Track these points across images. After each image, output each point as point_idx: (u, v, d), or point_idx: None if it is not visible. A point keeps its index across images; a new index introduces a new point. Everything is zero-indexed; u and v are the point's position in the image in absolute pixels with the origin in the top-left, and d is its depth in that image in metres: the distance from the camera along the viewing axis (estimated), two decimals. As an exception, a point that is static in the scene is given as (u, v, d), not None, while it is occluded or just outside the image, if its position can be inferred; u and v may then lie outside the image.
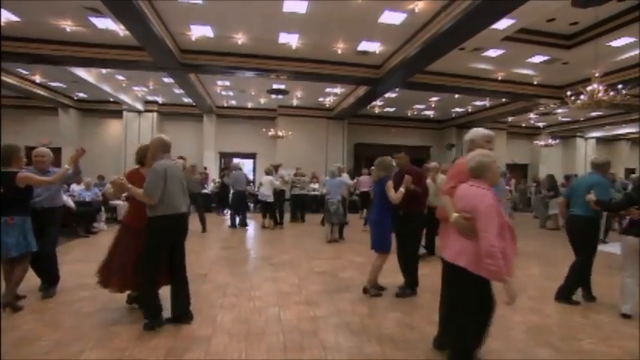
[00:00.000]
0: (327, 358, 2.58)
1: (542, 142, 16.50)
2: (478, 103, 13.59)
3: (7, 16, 6.99)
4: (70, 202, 6.70)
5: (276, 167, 9.70)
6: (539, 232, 9.11)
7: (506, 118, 15.83)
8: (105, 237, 6.98)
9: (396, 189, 3.89)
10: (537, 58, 8.69)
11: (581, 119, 15.81)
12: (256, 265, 5.11)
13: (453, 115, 15.97)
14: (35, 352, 2.57)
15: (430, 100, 13.36)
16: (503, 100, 12.66)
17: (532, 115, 15.30)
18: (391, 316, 3.41)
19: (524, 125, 17.80)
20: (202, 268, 4.88)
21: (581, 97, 7.44)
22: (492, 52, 8.37)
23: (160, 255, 3.02)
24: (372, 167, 12.83)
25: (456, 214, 2.32)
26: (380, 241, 3.95)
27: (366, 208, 10.04)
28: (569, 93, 8.05)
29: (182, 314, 3.12)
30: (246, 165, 19.85)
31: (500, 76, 10.09)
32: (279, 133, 13.54)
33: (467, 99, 12.85)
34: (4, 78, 10.69)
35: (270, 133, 13.66)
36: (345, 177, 7.87)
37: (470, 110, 14.72)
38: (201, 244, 6.61)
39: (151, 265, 2.99)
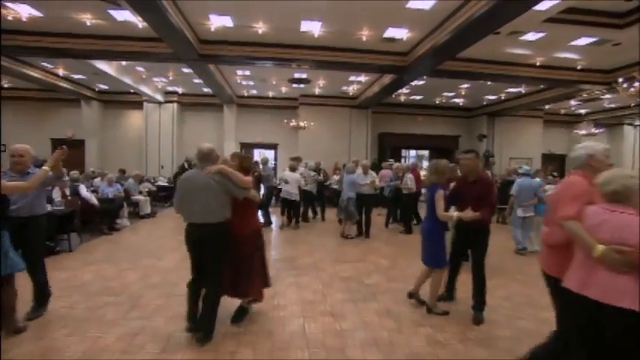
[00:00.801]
0: (355, 382, 2.51)
1: (584, 131, 15.58)
2: (512, 90, 12.94)
3: (30, 12, 7.15)
4: (94, 199, 6.89)
5: (297, 160, 9.54)
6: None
7: (544, 106, 15.05)
8: (128, 234, 7.19)
9: (455, 201, 3.56)
10: (583, 40, 8.09)
11: (632, 105, 14.78)
12: (279, 268, 5.09)
13: (485, 103, 15.33)
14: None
15: (460, 87, 12.85)
16: (541, 86, 12.02)
17: (573, 102, 14.47)
18: (421, 331, 3.30)
19: (563, 112, 16.91)
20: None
21: (635, 84, 6.89)
22: (531, 36, 7.86)
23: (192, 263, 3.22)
24: (390, 161, 12.55)
25: (602, 247, 1.91)
26: (432, 254, 3.62)
27: (381, 205, 9.81)
28: (620, 80, 7.48)
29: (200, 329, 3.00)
30: (267, 155, 19.97)
31: (538, 61, 9.52)
32: (301, 124, 13.41)
33: (500, 86, 12.28)
34: (29, 72, 11.06)
35: (291, 124, 13.56)
36: (358, 174, 7.55)
37: (503, 97, 14.06)
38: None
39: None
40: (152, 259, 5.31)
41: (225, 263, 3.13)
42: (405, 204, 8.11)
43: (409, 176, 7.94)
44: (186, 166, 9.30)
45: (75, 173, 7.48)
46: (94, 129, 15.49)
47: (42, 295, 3.39)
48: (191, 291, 3.10)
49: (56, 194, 6.52)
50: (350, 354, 2.87)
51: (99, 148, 15.64)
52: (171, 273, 4.73)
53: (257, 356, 2.81)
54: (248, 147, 16.78)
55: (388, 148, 16.19)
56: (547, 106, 15.30)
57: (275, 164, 16.63)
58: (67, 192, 6.56)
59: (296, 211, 8.39)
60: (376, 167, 15.36)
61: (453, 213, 3.45)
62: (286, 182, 8.01)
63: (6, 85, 13.87)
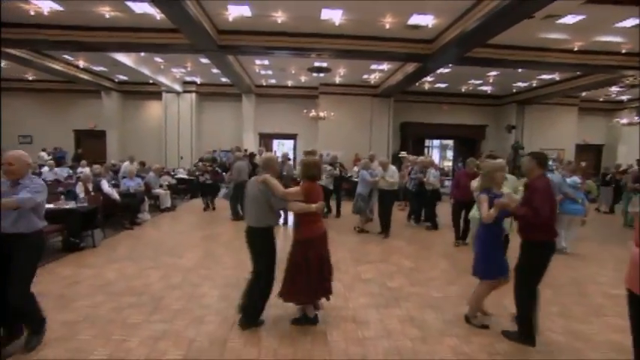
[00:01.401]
0: (378, 397, 2.50)
1: (625, 120, 14.70)
2: (545, 76, 12.38)
3: (51, 6, 7.29)
4: (115, 194, 7.08)
5: (312, 154, 9.42)
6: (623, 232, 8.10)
7: (580, 93, 14.35)
8: (149, 229, 7.37)
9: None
10: (630, 22, 7.54)
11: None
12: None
13: (514, 91, 14.76)
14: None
15: (488, 74, 12.38)
16: (578, 72, 11.43)
17: (613, 89, 13.70)
18: (446, 341, 3.24)
19: (601, 99, 16.07)
20: (246, 270, 4.94)
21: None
22: (570, 19, 7.43)
23: None
24: (402, 153, 12.16)
25: None
26: (483, 266, 3.43)
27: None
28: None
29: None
30: (286, 145, 20.03)
31: (576, 46, 9.02)
32: (321, 115, 13.31)
33: (531, 72, 11.77)
34: (51, 64, 11.36)
35: (311, 115, 13.47)
36: (370, 170, 7.41)
37: (535, 85, 13.49)
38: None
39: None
40: (173, 257, 5.43)
41: (264, 265, 3.40)
42: (429, 200, 7.94)
43: (432, 172, 7.76)
44: (200, 165, 9.47)
45: (97, 168, 7.69)
46: (114, 120, 15.90)
47: (34, 322, 3.00)
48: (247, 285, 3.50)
49: (79, 189, 6.74)
50: (373, 365, 2.86)
51: (119, 139, 16.05)
52: (192, 273, 4.82)
53: (278, 365, 2.84)
54: (267, 137, 16.84)
55: (410, 138, 15.91)
56: (583, 93, 14.59)
57: (294, 156, 16.66)
58: (90, 187, 6.75)
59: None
60: (395, 161, 15.20)
61: (491, 211, 3.20)
62: None
63: (30, 78, 14.33)
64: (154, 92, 15.49)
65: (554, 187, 5.99)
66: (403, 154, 11.23)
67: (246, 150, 14.33)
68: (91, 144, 16.55)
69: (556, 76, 12.35)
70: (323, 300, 3.58)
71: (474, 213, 4.99)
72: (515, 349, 3.13)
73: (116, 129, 16.03)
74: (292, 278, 3.37)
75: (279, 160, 8.48)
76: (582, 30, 8.01)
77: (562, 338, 3.36)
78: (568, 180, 6.28)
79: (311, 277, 3.32)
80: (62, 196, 5.98)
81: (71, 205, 5.74)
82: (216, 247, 6.08)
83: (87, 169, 9.58)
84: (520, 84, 13.68)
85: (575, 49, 9.14)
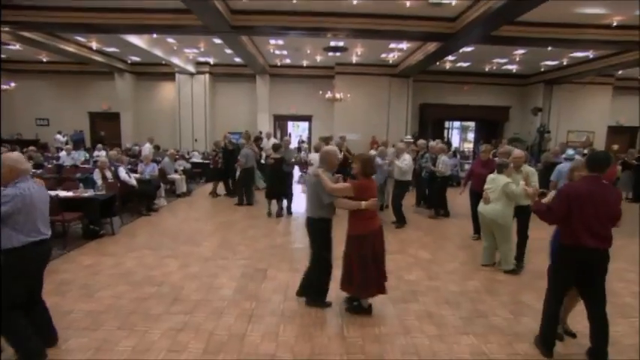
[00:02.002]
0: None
1: None
2: (578, 54, 11.83)
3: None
4: (133, 181, 7.26)
5: (327, 140, 9.39)
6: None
7: (616, 71, 13.68)
8: (166, 215, 7.58)
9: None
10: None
11: None
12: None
13: (542, 70, 14.18)
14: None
15: (514, 53, 11.92)
16: (615, 50, 10.87)
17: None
18: (463, 340, 3.29)
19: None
20: (261, 260, 5.10)
21: None
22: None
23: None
24: (407, 137, 11.90)
25: None
26: None
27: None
28: None
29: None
30: (301, 126, 19.96)
31: (615, 21, 8.53)
32: (337, 96, 13.16)
33: (562, 50, 11.23)
34: (64, 47, 11.50)
35: (327, 96, 13.33)
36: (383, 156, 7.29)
37: (565, 63, 12.92)
38: (260, 229, 6.90)
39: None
40: (191, 246, 5.60)
41: (319, 253, 3.69)
42: (439, 187, 7.71)
43: (443, 159, 7.50)
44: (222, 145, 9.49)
45: (114, 154, 7.87)
46: (127, 101, 16.10)
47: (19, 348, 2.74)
48: None
49: (97, 176, 6.93)
50: (389, 363, 2.94)
51: (133, 121, 16.30)
52: (210, 263, 4.97)
53: (296, 362, 2.95)
54: (281, 119, 16.80)
55: (430, 120, 15.63)
56: (620, 72, 13.90)
57: (309, 138, 16.63)
58: (108, 174, 6.94)
59: None
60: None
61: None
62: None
63: (44, 60, 14.56)
64: (167, 73, 15.54)
65: (562, 175, 5.98)
66: (408, 138, 10.94)
67: (260, 132, 14.38)
68: (105, 126, 16.88)
69: (590, 54, 11.81)
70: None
71: (481, 206, 4.95)
72: (535, 350, 3.15)
73: (130, 111, 16.26)
74: (349, 271, 3.57)
75: (280, 142, 8.52)
76: (623, 2, 7.56)
77: (586, 340, 3.36)
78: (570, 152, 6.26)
79: (366, 274, 3.47)
80: (80, 184, 6.16)
81: (90, 193, 5.93)
82: (232, 236, 6.22)
83: (103, 154, 9.85)
84: (549, 62, 13.13)
85: (615, 24, 8.66)
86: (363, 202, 3.41)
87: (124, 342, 3.13)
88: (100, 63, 13.89)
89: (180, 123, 15.81)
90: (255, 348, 3.10)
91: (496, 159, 5.58)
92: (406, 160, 6.96)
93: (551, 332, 3.12)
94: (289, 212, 7.71)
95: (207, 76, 15.54)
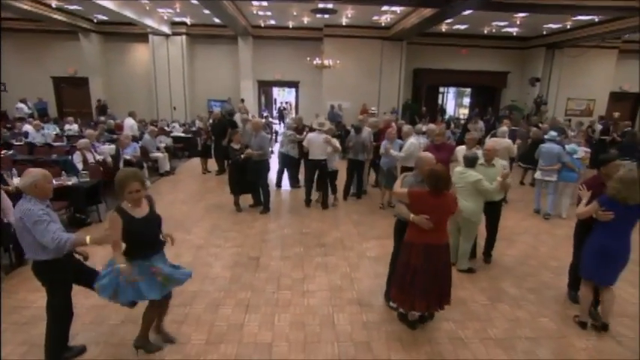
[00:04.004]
0: (380, 380, 3.17)
1: None
2: (582, 17, 12.07)
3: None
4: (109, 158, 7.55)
5: (301, 130, 8.72)
6: None
7: (622, 35, 13.98)
8: (152, 197, 7.92)
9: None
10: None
11: None
12: (307, 246, 5.72)
13: (544, 33, 14.40)
14: (189, 354, 3.42)
15: (516, 15, 12.08)
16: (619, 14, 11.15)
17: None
18: (443, 326, 3.88)
19: (647, 40, 15.58)
20: (254, 249, 5.60)
21: None
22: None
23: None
24: (372, 109, 12.07)
25: None
26: (610, 274, 3.68)
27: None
28: None
29: None
30: (287, 96, 19.93)
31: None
32: (325, 63, 13.25)
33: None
34: (17, 4, 10.96)
35: (315, 63, 13.41)
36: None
37: (569, 26, 13.16)
38: (250, 212, 7.35)
39: None
40: (181, 233, 6.00)
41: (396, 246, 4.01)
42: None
43: (411, 141, 6.73)
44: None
45: (91, 133, 8.06)
46: (96, 65, 15.85)
47: None
48: None
49: (77, 159, 7.19)
50: (376, 350, 3.51)
51: (104, 87, 16.13)
52: (202, 251, 5.45)
53: (292, 349, 3.50)
54: (267, 85, 16.83)
55: (423, 85, 15.89)
56: (626, 35, 14.20)
57: (296, 105, 16.78)
58: (90, 157, 7.21)
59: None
60: (413, 111, 15.25)
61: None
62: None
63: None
64: (140, 34, 15.27)
65: (554, 157, 6.62)
66: (374, 109, 11.15)
67: (242, 100, 14.47)
68: (72, 93, 16.67)
69: (595, 18, 12.04)
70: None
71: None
72: (507, 337, 3.77)
73: (99, 75, 16.05)
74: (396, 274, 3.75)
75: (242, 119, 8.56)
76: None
77: (554, 325, 4.00)
78: (567, 147, 6.84)
79: (402, 280, 3.58)
80: (63, 172, 6.43)
81: (74, 181, 6.22)
82: (222, 221, 6.68)
83: (74, 128, 9.94)
84: (552, 25, 13.36)
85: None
86: (412, 216, 3.46)
87: (130, 336, 3.61)
88: (61, 22, 13.42)
89: (156, 90, 15.75)
90: (253, 337, 3.64)
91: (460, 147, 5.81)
92: (407, 145, 6.61)
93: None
94: (266, 208, 7.16)
95: (184, 37, 15.33)
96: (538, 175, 7.13)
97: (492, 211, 5.08)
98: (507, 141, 7.08)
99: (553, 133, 7.11)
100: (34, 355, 3.33)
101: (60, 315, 3.22)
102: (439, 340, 3.70)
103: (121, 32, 15.51)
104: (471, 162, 4.67)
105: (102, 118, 13.07)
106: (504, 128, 7.65)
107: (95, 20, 14.88)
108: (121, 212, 3.02)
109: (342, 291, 4.52)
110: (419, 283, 3.48)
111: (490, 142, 5.51)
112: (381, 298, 4.36)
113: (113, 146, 8.54)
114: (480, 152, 5.07)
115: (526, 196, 8.36)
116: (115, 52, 16.18)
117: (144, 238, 3.11)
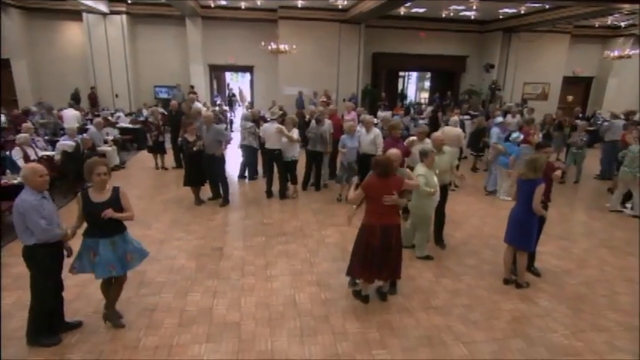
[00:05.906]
0: (335, 345, 4.02)
1: (616, 53, 16.00)
2: (535, 4, 13.45)
3: None
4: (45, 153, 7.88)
5: (257, 121, 9.61)
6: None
7: (574, 21, 15.59)
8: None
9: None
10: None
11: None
12: (268, 235, 6.50)
13: (501, 17, 15.79)
14: (164, 335, 4.06)
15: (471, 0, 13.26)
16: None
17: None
18: (393, 300, 4.81)
19: (597, 25, 17.36)
20: (217, 240, 6.29)
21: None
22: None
23: None
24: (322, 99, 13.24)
25: None
26: (524, 240, 4.98)
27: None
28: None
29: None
30: (242, 81, 20.25)
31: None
32: (281, 48, 13.86)
33: None
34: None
35: (270, 48, 13.98)
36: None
37: (523, 12, 14.56)
38: (210, 205, 7.98)
39: None
40: (141, 228, 6.53)
41: None
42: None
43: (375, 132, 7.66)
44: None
45: (29, 127, 8.30)
46: (19, 45, 15.33)
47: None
48: None
49: (17, 155, 7.47)
50: (333, 322, 4.37)
51: (30, 70, 15.69)
52: (165, 245, 6.09)
53: (258, 326, 4.27)
54: (219, 70, 17.14)
55: (383, 70, 16.88)
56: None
57: (251, 91, 17.26)
58: (31, 152, 7.52)
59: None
60: (373, 97, 16.22)
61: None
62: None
63: None
64: (72, 11, 15.02)
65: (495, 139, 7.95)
66: (324, 98, 12.24)
67: (192, 87, 14.82)
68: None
69: (546, 5, 13.45)
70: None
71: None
72: (445, 305, 4.75)
73: (24, 58, 15.57)
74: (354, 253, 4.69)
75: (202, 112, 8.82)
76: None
77: (485, 293, 5.04)
78: (514, 135, 8.00)
79: (364, 259, 4.49)
80: (7, 171, 6.72)
81: (19, 180, 6.54)
82: (182, 215, 7.30)
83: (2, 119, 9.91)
84: (507, 10, 14.71)
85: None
86: (354, 200, 4.66)
87: (103, 325, 4.24)
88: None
89: (94, 75, 15.67)
90: (222, 318, 4.39)
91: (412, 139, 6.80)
92: (380, 139, 7.44)
93: None
94: (225, 201, 7.86)
95: (124, 17, 15.34)
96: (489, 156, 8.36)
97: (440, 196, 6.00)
98: (458, 130, 8.15)
99: (515, 135, 8.13)
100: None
101: (46, 297, 3.86)
102: (389, 311, 4.62)
103: (47, 8, 15.16)
104: (426, 155, 5.49)
105: (33, 108, 12.80)
106: (455, 118, 8.73)
107: (16, -6, 14.50)
108: (83, 195, 3.93)
109: (302, 274, 5.35)
110: (377, 259, 4.44)
111: (438, 132, 6.54)
112: (338, 279, 5.23)
113: (72, 142, 8.69)
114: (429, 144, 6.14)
115: (478, 182, 9.54)
116: (42, 31, 15.74)
117: (95, 221, 3.83)
